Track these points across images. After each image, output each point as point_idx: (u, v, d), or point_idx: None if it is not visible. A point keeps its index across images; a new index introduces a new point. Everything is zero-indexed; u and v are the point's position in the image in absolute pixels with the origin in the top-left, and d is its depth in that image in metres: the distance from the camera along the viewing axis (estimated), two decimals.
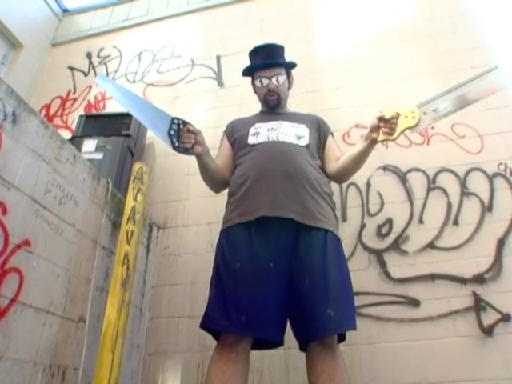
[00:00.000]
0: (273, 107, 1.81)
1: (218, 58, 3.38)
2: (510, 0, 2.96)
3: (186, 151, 1.48)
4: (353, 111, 2.77)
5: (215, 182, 1.71)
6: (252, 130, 1.70)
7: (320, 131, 1.77)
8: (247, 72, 1.87)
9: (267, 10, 3.52)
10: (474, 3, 3.01)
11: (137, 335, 2.23)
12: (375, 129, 1.43)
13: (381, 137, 1.42)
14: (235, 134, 1.78)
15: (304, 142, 1.64)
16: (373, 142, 1.46)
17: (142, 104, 1.57)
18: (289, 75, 1.85)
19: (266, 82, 1.77)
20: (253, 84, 1.88)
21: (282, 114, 1.81)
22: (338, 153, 1.73)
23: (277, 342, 1.38)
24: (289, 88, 1.87)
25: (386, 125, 1.39)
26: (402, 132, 1.40)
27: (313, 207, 1.46)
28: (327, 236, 1.44)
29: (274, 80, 1.77)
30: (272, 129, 1.67)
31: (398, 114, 1.38)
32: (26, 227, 1.49)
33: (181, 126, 1.48)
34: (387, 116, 1.38)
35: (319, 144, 1.73)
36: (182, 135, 1.48)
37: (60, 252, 1.68)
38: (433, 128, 2.58)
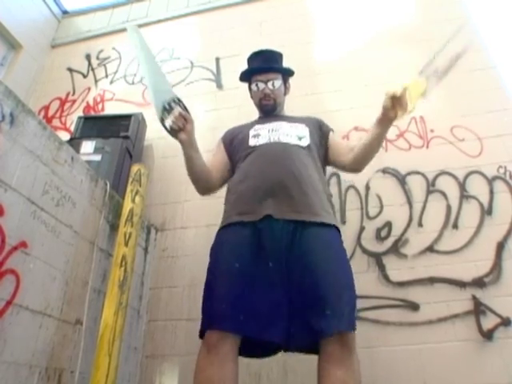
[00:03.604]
0: (268, 112, 1.81)
1: (217, 60, 3.38)
2: (508, 3, 2.96)
3: (170, 130, 1.47)
4: (352, 114, 2.77)
5: (200, 180, 1.66)
6: (252, 132, 1.70)
7: (320, 131, 1.76)
8: (244, 77, 1.87)
9: (266, 12, 3.52)
10: (473, 6, 3.01)
11: (134, 338, 2.22)
12: (389, 108, 1.41)
13: (399, 113, 1.40)
14: (234, 139, 1.76)
15: (305, 142, 1.64)
16: (390, 122, 1.45)
17: (156, 68, 1.58)
18: (286, 81, 1.86)
19: (261, 86, 1.78)
20: (249, 89, 1.88)
21: (280, 116, 1.81)
22: (347, 144, 1.73)
23: (275, 342, 1.31)
24: (285, 94, 1.87)
25: (400, 101, 1.38)
26: (416, 102, 1.39)
27: (315, 206, 1.44)
28: (328, 231, 1.42)
29: (269, 84, 1.77)
30: (272, 130, 1.66)
31: (406, 88, 1.37)
32: (23, 229, 1.48)
33: (177, 108, 1.47)
34: (398, 93, 1.37)
35: (320, 144, 1.72)
36: (174, 115, 1.46)
37: (57, 254, 1.67)
38: (432, 131, 2.58)
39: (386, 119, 1.45)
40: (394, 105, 1.40)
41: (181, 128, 1.46)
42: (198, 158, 1.59)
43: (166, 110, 1.44)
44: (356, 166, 1.66)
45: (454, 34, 1.48)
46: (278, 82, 1.79)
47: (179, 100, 1.48)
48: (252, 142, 1.65)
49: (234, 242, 1.41)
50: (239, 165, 1.65)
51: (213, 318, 1.30)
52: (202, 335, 1.32)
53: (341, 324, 1.25)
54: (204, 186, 1.69)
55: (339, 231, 1.49)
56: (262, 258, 1.34)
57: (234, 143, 1.75)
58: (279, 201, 1.42)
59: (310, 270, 1.31)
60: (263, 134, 1.66)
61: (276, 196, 1.43)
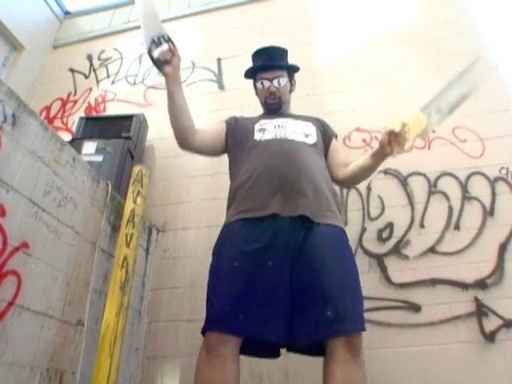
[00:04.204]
0: (273, 110, 1.77)
1: (219, 60, 3.38)
2: (509, 4, 2.96)
3: (156, 62, 1.47)
4: (353, 114, 2.76)
5: (179, 123, 1.56)
6: (257, 126, 1.67)
7: (324, 133, 1.75)
8: (249, 74, 1.84)
9: (268, 12, 3.52)
10: (475, 7, 3.01)
11: (135, 339, 2.21)
12: (386, 144, 1.38)
13: (395, 150, 1.36)
14: (238, 128, 1.72)
15: (312, 140, 1.63)
16: (384, 157, 1.44)
17: (151, 6, 1.59)
18: (291, 78, 1.83)
19: (267, 83, 1.75)
20: (254, 86, 1.85)
21: (285, 113, 1.78)
22: (344, 158, 1.72)
23: (276, 343, 1.31)
24: (291, 91, 1.84)
25: (397, 138, 1.35)
26: (414, 140, 1.35)
27: (322, 205, 1.43)
28: (335, 230, 1.42)
29: (275, 82, 1.74)
30: (279, 126, 1.64)
31: (404, 124, 1.32)
32: (25, 229, 1.48)
33: (166, 43, 1.47)
34: (397, 129, 1.33)
35: (324, 145, 1.72)
36: (162, 48, 1.45)
37: (59, 255, 1.67)
38: (434, 131, 2.57)
39: (382, 153, 1.43)
40: (391, 141, 1.37)
41: (167, 61, 1.46)
42: (181, 97, 1.54)
43: (155, 42, 1.46)
44: (344, 184, 1.74)
45: (465, 70, 1.41)
46: (284, 80, 1.75)
47: (169, 37, 1.48)
48: (257, 136, 1.62)
49: (236, 240, 1.40)
50: (241, 158, 1.61)
51: (212, 320, 1.29)
52: (203, 332, 1.30)
53: (346, 326, 1.23)
54: (182, 134, 1.59)
55: (344, 232, 1.48)
56: (263, 257, 1.32)
57: (238, 132, 1.71)
58: (287, 198, 1.40)
59: (315, 269, 1.30)
60: (269, 129, 1.63)
61: (284, 193, 1.41)
